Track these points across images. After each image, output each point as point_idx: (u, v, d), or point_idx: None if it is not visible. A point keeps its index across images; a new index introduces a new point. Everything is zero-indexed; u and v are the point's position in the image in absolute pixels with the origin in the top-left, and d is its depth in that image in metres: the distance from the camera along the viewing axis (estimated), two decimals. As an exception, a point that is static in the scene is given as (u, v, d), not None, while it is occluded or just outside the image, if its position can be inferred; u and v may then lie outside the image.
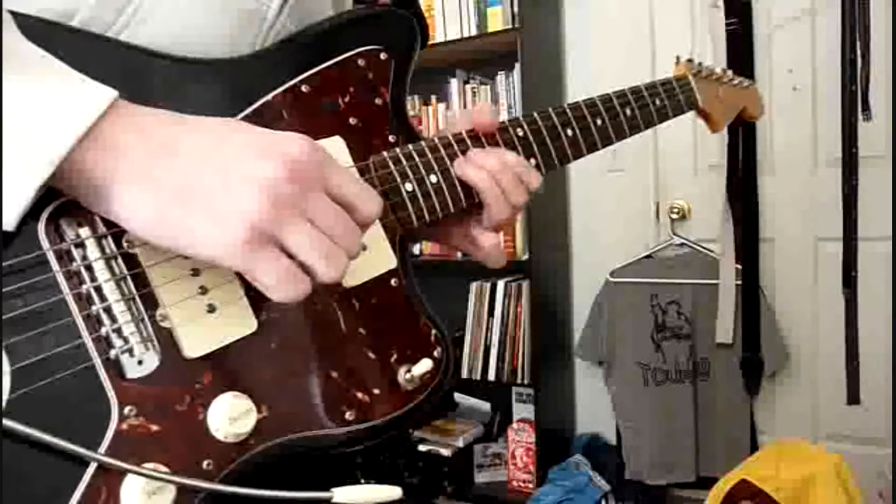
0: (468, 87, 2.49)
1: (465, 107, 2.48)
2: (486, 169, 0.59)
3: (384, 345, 0.53)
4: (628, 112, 0.72)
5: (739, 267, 2.06)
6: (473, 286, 2.44)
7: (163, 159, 0.39)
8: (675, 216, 2.24)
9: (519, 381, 2.34)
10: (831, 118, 1.96)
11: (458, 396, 2.65)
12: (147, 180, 0.39)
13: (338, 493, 0.45)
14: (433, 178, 0.58)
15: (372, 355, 0.53)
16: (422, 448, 2.40)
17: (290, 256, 0.41)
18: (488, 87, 2.46)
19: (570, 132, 0.68)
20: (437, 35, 2.39)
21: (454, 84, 2.49)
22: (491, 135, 0.63)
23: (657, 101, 0.77)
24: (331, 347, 0.51)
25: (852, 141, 1.90)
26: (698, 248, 2.18)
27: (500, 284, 2.38)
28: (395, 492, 0.47)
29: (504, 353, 2.36)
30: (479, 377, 2.39)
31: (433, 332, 0.56)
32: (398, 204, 0.56)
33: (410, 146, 0.58)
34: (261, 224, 0.39)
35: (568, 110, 0.68)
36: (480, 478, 2.42)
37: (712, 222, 2.16)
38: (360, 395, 0.51)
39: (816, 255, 2.09)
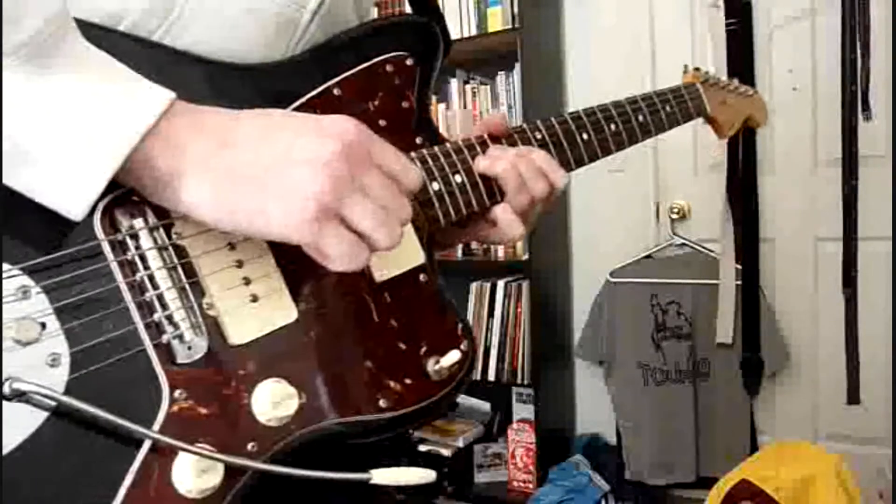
0: (468, 87, 2.49)
1: (465, 107, 2.48)
2: (505, 158, 0.62)
3: (414, 336, 0.55)
4: (640, 118, 0.76)
5: (739, 267, 2.06)
6: (473, 286, 2.44)
7: (225, 150, 0.42)
8: (675, 216, 2.24)
9: (519, 381, 2.34)
10: (831, 118, 1.96)
11: (458, 396, 2.65)
12: (212, 170, 0.42)
13: (375, 473, 0.47)
14: (458, 178, 0.60)
15: (403, 346, 0.55)
16: (422, 448, 2.40)
17: (349, 228, 0.44)
18: (488, 87, 2.46)
19: (585, 136, 0.71)
20: (437, 35, 2.38)
21: (454, 84, 2.49)
22: (508, 136, 0.66)
23: (668, 108, 0.80)
24: (365, 338, 0.53)
25: (852, 141, 1.90)
26: (698, 248, 2.18)
27: (500, 284, 2.38)
28: (430, 474, 0.49)
29: (504, 353, 2.36)
30: (479, 377, 2.39)
31: (459, 325, 0.59)
32: (426, 202, 0.59)
33: (436, 147, 0.60)
34: (324, 200, 0.42)
35: (583, 115, 0.71)
36: (480, 478, 2.42)
37: (712, 222, 2.16)
38: (392, 383, 0.53)
39: (816, 255, 2.10)
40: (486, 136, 0.64)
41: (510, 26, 2.25)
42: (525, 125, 0.67)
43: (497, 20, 2.28)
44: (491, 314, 2.39)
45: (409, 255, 0.57)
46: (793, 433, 2.10)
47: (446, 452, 2.37)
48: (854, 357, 1.99)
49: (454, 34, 2.34)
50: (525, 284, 2.32)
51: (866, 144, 1.91)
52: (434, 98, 2.54)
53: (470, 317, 2.42)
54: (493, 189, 0.63)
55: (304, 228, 0.42)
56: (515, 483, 2.34)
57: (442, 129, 2.64)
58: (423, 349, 0.55)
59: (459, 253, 2.49)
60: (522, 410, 2.42)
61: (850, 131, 1.90)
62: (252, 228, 0.43)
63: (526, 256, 2.30)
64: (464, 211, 0.61)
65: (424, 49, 0.62)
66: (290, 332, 0.49)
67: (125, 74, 0.42)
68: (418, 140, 0.60)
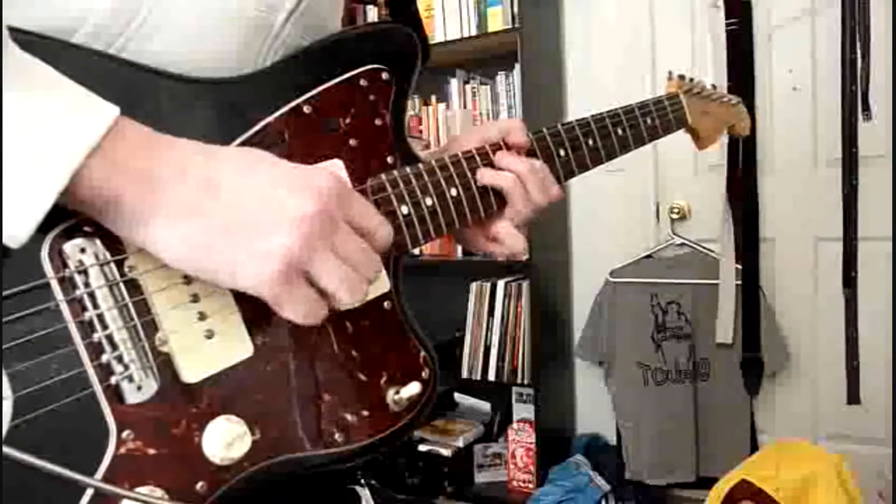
0: (468, 87, 2.49)
1: (465, 107, 2.48)
2: (514, 171, 0.63)
3: (375, 367, 0.54)
4: (620, 132, 0.74)
5: (739, 267, 2.06)
6: (473, 286, 2.44)
7: (205, 197, 0.41)
8: (675, 216, 2.24)
9: (519, 381, 2.34)
10: (831, 118, 1.96)
11: (458, 396, 2.65)
12: (191, 217, 0.41)
13: None
14: (429, 202, 0.58)
15: (363, 377, 0.53)
16: (422, 448, 2.40)
17: (313, 284, 0.44)
18: (488, 87, 2.46)
19: (562, 153, 0.69)
20: (437, 35, 2.38)
21: (454, 84, 2.49)
22: (496, 148, 0.64)
23: (648, 121, 0.78)
24: (324, 370, 0.52)
25: (852, 141, 1.90)
26: (698, 248, 2.18)
27: (500, 284, 2.38)
28: None
29: (504, 353, 2.36)
30: (479, 377, 2.39)
31: (422, 353, 0.57)
32: (394, 228, 0.56)
33: (408, 168, 0.58)
34: (295, 259, 0.42)
35: (562, 130, 0.69)
36: (480, 478, 2.41)
37: (712, 222, 2.16)
38: (349, 417, 0.52)
39: (816, 255, 2.09)
40: (460, 156, 0.62)
41: (510, 26, 2.25)
42: (502, 142, 0.65)
43: (497, 20, 2.28)
44: (491, 314, 2.39)
45: (375, 283, 0.54)
46: (793, 433, 2.10)
47: (446, 452, 2.37)
48: (854, 357, 1.99)
49: (454, 34, 2.34)
50: (525, 284, 2.32)
51: (866, 144, 1.91)
52: (434, 98, 2.54)
53: (470, 317, 2.42)
54: (476, 206, 0.61)
55: (271, 285, 0.42)
56: (515, 483, 2.34)
57: (442, 130, 2.66)
58: (384, 379, 0.54)
59: (459, 253, 2.48)
60: (522, 410, 2.42)
61: (850, 131, 1.90)
62: (219, 278, 0.43)
63: (526, 256, 2.30)
64: (433, 235, 0.59)
65: (402, 61, 0.59)
66: (245, 368, 0.48)
67: (66, 87, 0.40)
68: (390, 159, 0.58)
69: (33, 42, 0.42)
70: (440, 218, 0.59)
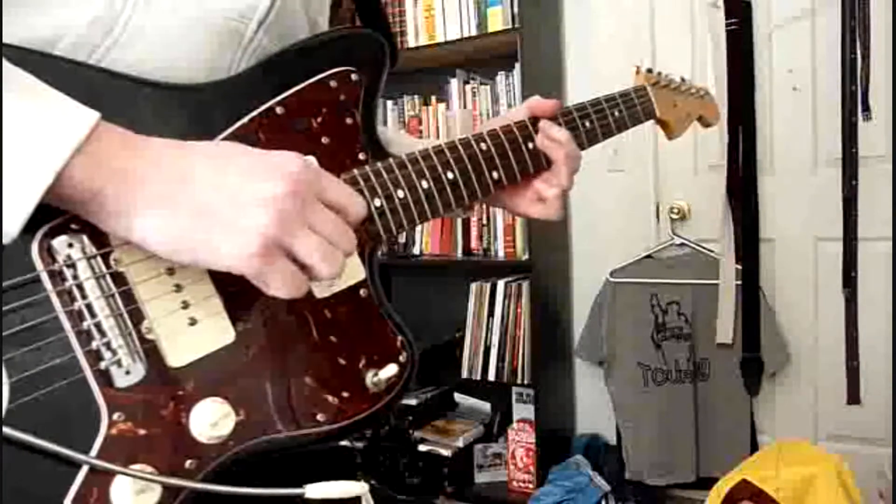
0: (468, 87, 2.49)
1: (465, 107, 2.48)
2: (558, 139, 0.71)
3: (353, 351, 0.57)
4: (587, 124, 0.76)
5: (739, 267, 2.06)
6: (473, 286, 2.44)
7: (181, 186, 0.44)
8: (675, 216, 2.24)
9: (519, 381, 2.34)
10: (831, 118, 1.96)
11: (458, 396, 2.65)
12: (169, 206, 0.44)
13: (309, 488, 0.48)
14: (400, 194, 0.61)
15: (342, 361, 0.56)
16: (422, 448, 2.40)
17: (294, 260, 0.46)
18: (488, 87, 2.46)
19: (531, 145, 0.71)
20: (437, 35, 2.38)
21: (454, 84, 2.49)
22: (466, 144, 0.67)
23: (616, 113, 0.80)
24: (304, 354, 0.55)
25: (852, 141, 1.91)
26: (698, 248, 2.18)
27: (500, 284, 2.38)
28: (363, 487, 0.51)
29: (504, 353, 2.36)
30: (479, 377, 2.39)
31: (399, 338, 0.60)
32: (367, 218, 0.59)
33: (379, 164, 0.61)
34: (272, 236, 0.44)
35: (529, 125, 0.72)
36: (480, 478, 2.41)
37: (712, 222, 2.16)
38: (330, 398, 0.55)
39: (816, 255, 2.10)
40: (430, 150, 0.64)
41: (510, 26, 2.25)
42: (470, 136, 0.68)
43: (497, 20, 2.28)
44: (491, 314, 2.39)
45: (350, 271, 0.57)
46: (793, 433, 2.10)
47: (446, 452, 2.37)
48: (854, 357, 1.99)
49: (454, 34, 2.34)
50: (525, 284, 2.32)
51: (866, 144, 1.91)
52: (434, 98, 2.54)
53: (470, 317, 2.42)
54: (448, 199, 0.64)
55: (251, 262, 0.44)
56: (515, 483, 2.34)
57: (442, 130, 2.66)
58: (363, 362, 0.57)
59: (459, 253, 2.48)
60: (522, 410, 2.42)
61: (850, 131, 1.91)
62: (203, 261, 0.45)
63: (526, 256, 2.30)
64: (406, 226, 0.61)
65: (370, 63, 0.62)
66: (227, 353, 0.51)
67: (51, 95, 0.42)
68: (361, 156, 0.60)
69: (15, 55, 0.44)
70: (412, 209, 0.62)
